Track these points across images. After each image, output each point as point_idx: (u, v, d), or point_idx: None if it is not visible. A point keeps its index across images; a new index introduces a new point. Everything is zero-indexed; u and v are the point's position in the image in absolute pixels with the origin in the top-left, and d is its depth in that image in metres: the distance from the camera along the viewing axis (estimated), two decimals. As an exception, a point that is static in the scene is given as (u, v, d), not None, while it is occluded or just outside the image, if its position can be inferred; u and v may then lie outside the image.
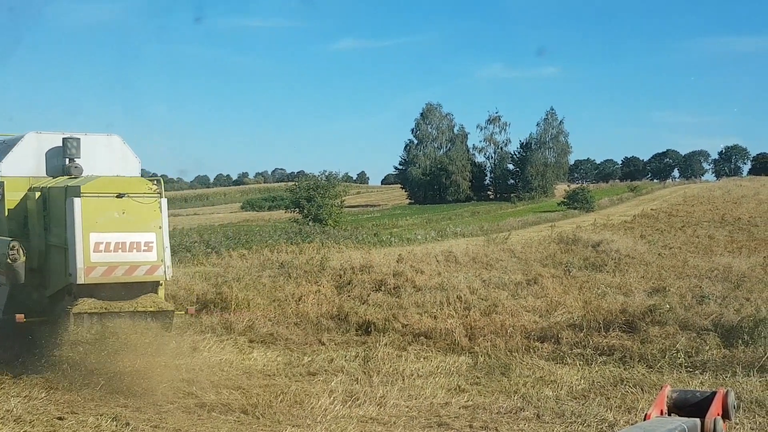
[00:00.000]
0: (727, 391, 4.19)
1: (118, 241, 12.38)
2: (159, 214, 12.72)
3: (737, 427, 8.94)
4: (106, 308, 12.21)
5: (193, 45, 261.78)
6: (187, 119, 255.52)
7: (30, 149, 13.91)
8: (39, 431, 9.46)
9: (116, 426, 9.66)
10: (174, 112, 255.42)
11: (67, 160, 13.74)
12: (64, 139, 13.77)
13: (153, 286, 12.94)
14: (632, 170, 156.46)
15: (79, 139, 13.81)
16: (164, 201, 12.88)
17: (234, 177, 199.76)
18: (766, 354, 11.89)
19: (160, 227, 12.74)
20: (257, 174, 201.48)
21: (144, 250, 12.55)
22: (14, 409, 10.10)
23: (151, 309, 12.52)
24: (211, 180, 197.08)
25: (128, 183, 12.94)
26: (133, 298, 12.50)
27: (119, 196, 12.46)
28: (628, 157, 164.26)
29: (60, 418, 9.96)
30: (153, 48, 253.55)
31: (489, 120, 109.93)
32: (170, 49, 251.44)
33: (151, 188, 12.79)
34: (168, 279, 13.03)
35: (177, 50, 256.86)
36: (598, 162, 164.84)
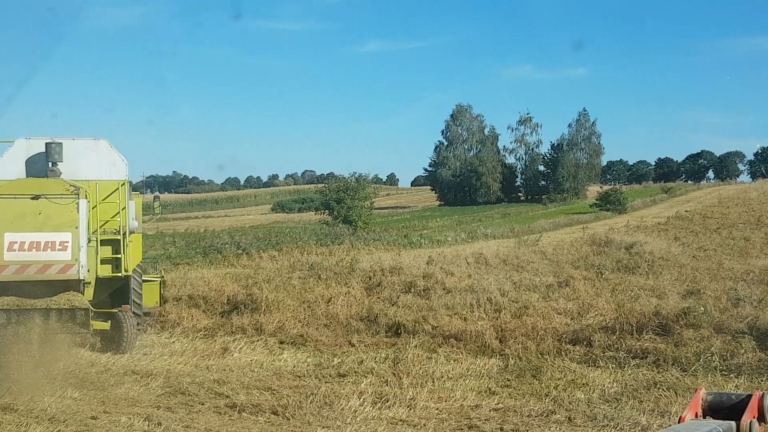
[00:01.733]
0: (763, 394, 4.10)
1: (33, 240, 13.04)
2: (76, 214, 13.26)
3: (774, 431, 8.77)
4: (18, 305, 12.81)
5: (222, 48, 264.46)
6: (217, 121, 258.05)
7: (19, 154, 14.49)
8: (72, 430, 9.56)
9: (148, 425, 9.74)
10: (204, 114, 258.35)
11: (50, 164, 14.23)
12: (46, 143, 14.29)
13: (76, 285, 13.39)
14: (666, 171, 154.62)
15: (61, 144, 14.34)
16: (84, 202, 13.43)
17: (264, 179, 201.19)
18: (803, 358, 11.66)
19: (77, 227, 13.24)
20: (287, 176, 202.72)
21: (59, 250, 13.14)
22: (48, 408, 10.24)
23: (65, 307, 13.06)
24: (242, 182, 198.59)
25: (45, 184, 13.54)
26: (53, 295, 13.12)
27: (35, 197, 13.14)
28: (662, 158, 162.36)
29: (93, 418, 10.06)
30: (183, 50, 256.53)
31: (520, 121, 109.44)
32: (200, 52, 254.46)
33: (69, 189, 13.32)
34: (83, 278, 13.40)
35: (207, 53, 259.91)
36: (631, 163, 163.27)
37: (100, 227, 14.28)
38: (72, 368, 12.84)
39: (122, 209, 14.68)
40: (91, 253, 13.90)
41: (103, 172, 14.65)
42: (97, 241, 14.09)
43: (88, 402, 10.90)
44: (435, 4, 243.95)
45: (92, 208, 14.15)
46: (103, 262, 14.18)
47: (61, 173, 14.24)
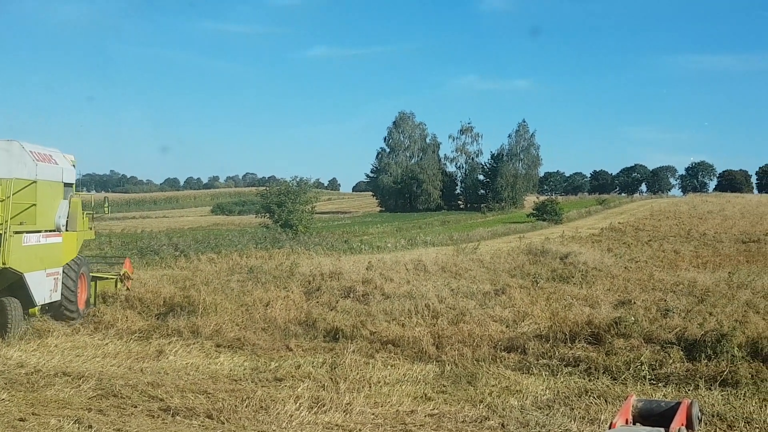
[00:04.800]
0: (691, 402, 4.26)
1: None
2: None
3: (698, 439, 9.04)
4: None
5: (169, 48, 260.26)
6: (159, 121, 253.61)
7: None
8: (-1, 432, 9.32)
9: (79, 428, 9.55)
10: (147, 114, 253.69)
11: None
12: None
13: None
14: (601, 183, 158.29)
15: None
16: None
17: (204, 180, 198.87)
18: (728, 368, 12.06)
19: None
20: (228, 178, 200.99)
21: None
22: (-26, 410, 9.94)
23: None
24: (182, 183, 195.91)
25: None
26: None
27: None
28: (597, 170, 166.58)
29: (21, 420, 9.82)
30: (129, 49, 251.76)
31: (461, 130, 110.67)
32: (146, 52, 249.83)
33: None
34: None
35: (152, 53, 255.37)
36: (567, 175, 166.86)
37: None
38: (0, 369, 12.51)
39: (32, 206, 15.67)
40: None
41: (15, 170, 15.55)
42: None
43: (16, 403, 10.63)
44: (382, 12, 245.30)
45: None
46: None
47: None
